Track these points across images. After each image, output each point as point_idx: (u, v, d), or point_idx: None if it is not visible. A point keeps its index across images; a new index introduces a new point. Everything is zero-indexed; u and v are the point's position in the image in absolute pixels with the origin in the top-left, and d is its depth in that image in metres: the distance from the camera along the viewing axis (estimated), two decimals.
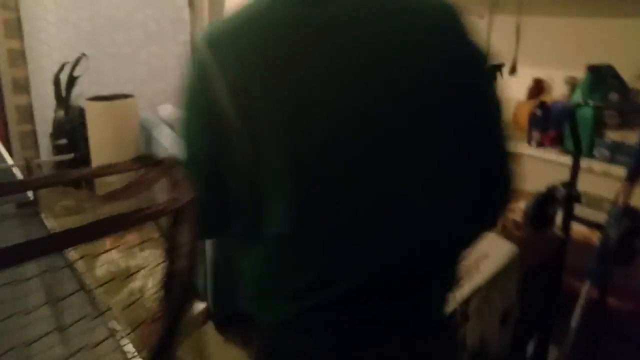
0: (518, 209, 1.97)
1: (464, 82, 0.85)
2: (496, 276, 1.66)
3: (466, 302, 1.52)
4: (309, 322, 0.91)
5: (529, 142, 1.91)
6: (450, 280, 0.97)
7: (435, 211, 0.87)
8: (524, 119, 1.98)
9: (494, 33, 2.23)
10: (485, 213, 0.98)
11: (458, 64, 0.84)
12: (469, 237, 0.96)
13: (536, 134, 1.88)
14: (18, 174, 1.78)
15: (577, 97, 1.80)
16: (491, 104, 0.91)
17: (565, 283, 1.70)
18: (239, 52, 0.81)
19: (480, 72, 0.90)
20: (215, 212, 0.92)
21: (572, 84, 1.87)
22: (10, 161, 1.90)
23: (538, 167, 2.04)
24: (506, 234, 1.83)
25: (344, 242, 0.87)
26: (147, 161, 0.73)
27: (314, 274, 0.89)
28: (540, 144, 1.88)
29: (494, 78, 1.09)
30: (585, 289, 1.50)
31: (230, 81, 0.80)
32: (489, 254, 1.71)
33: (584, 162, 1.66)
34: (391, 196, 0.85)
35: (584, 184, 1.62)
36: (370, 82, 0.80)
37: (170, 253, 0.62)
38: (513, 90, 2.16)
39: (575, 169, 1.56)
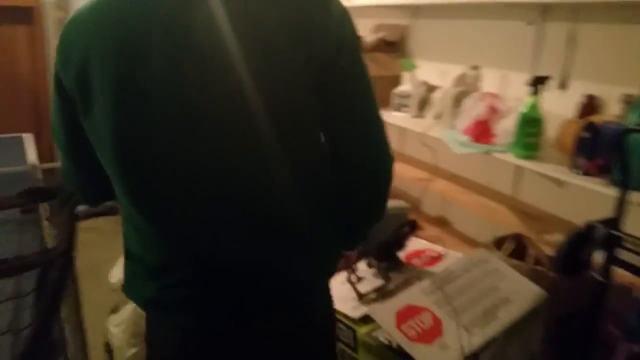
0: (554, 241, 1.70)
1: (312, 54, 0.84)
2: (517, 324, 1.42)
3: (476, 354, 1.29)
4: (164, 302, 0.94)
5: (574, 169, 1.64)
6: (311, 264, 0.96)
7: (278, 189, 0.87)
8: (569, 141, 1.72)
9: (544, 41, 1.97)
10: (347, 196, 0.96)
11: (305, 33, 0.84)
12: (327, 222, 0.96)
13: (582, 160, 1.61)
14: None
15: (633, 118, 1.52)
16: (354, 81, 0.90)
17: (602, 330, 1.44)
18: (84, 29, 0.85)
19: (334, 44, 0.87)
20: (77, 179, 0.99)
21: (628, 102, 1.59)
22: None
23: (583, 197, 1.76)
24: (536, 274, 1.58)
25: (184, 222, 0.88)
26: (36, 196, 0.65)
27: (165, 255, 0.91)
28: (586, 172, 1.62)
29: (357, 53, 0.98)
30: (624, 346, 1.24)
31: (75, 55, 0.85)
32: (511, 298, 1.46)
33: (635, 197, 1.39)
34: (225, 174, 0.85)
35: (634, 223, 1.35)
36: (196, 50, 0.81)
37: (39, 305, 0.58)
38: (561, 107, 1.89)
39: (620, 205, 1.30)
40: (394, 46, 2.69)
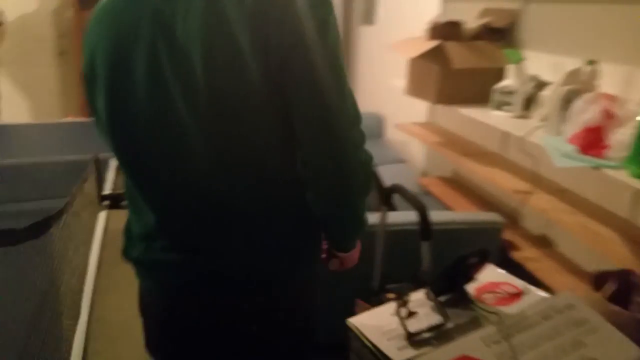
0: None
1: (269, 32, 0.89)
2: None
3: None
4: (148, 262, 1.10)
5: None
6: (257, 247, 1.04)
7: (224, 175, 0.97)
8: None
9: None
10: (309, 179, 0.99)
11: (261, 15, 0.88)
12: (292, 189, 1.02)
13: None
14: None
15: None
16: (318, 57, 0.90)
17: None
18: (98, 19, 0.98)
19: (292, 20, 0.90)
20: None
21: None
22: None
23: None
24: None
25: (162, 192, 1.02)
26: None
27: (149, 219, 1.05)
28: None
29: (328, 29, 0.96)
30: None
31: (87, 50, 1.00)
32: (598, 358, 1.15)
33: None
34: (185, 156, 0.97)
35: None
36: (175, 43, 0.91)
37: None
38: None
39: None
40: (499, 34, 2.34)
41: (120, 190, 2.08)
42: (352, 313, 1.88)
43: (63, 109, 4.76)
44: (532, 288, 1.52)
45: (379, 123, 3.87)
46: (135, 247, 1.10)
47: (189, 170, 0.98)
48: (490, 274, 1.62)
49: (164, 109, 0.95)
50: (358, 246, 1.25)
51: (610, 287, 1.41)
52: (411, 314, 1.40)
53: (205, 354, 1.17)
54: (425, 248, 1.64)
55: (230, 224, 1.03)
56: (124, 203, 1.68)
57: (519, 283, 1.56)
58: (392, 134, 3.72)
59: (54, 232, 1.30)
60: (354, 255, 1.25)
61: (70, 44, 4.60)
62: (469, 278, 1.47)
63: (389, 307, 1.42)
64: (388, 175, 3.51)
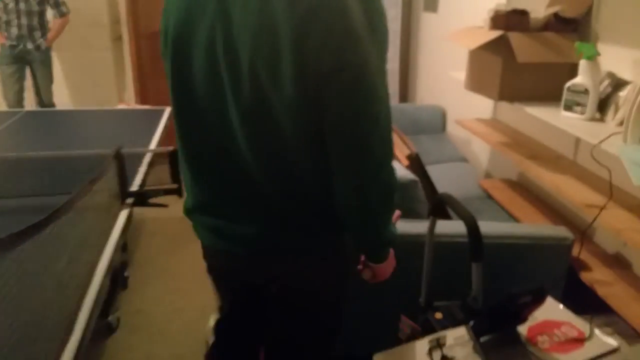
0: None
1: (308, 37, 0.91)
2: None
3: None
4: (196, 223, 1.23)
5: None
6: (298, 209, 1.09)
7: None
8: None
9: None
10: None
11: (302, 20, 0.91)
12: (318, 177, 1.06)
13: None
14: None
15: None
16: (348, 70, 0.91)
17: None
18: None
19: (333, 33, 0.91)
20: None
21: None
22: None
23: None
24: None
25: (207, 167, 1.12)
26: None
27: (198, 190, 1.17)
28: None
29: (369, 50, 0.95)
30: None
31: (163, 18, 1.09)
32: None
33: None
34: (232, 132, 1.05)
35: None
36: (229, 30, 0.97)
37: None
38: None
39: None
40: (571, 24, 2.06)
41: (151, 186, 2.00)
42: (396, 329, 1.72)
43: (118, 95, 4.82)
44: (598, 333, 1.30)
45: (439, 117, 3.61)
46: (188, 200, 1.23)
47: (231, 152, 1.07)
48: (549, 310, 1.42)
49: (214, 91, 1.03)
50: (391, 260, 1.22)
51: None
52: (445, 358, 1.23)
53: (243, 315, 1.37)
54: (476, 270, 1.45)
55: (259, 204, 1.10)
56: (152, 200, 1.75)
57: (582, 325, 1.34)
58: (455, 129, 3.47)
59: (50, 233, 1.23)
60: (386, 268, 1.21)
61: (125, 30, 4.64)
62: (521, 319, 1.28)
63: (423, 345, 1.26)
64: (447, 174, 3.29)
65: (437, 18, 3.79)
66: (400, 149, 2.35)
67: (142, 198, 1.89)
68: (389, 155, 1.03)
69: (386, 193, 1.06)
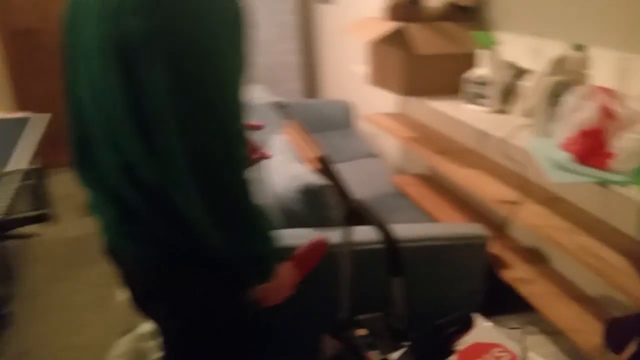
0: None
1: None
2: None
3: None
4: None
5: None
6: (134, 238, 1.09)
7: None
8: None
9: None
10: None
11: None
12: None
13: None
14: None
15: None
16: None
17: None
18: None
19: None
20: None
21: None
22: None
23: None
24: None
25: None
26: None
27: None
28: None
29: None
30: None
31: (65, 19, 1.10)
32: None
33: None
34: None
35: None
36: (90, 35, 0.98)
37: None
38: None
39: None
40: (468, 13, 1.98)
41: (13, 215, 1.69)
42: (318, 350, 1.55)
43: None
44: (531, 355, 1.20)
45: (346, 112, 3.50)
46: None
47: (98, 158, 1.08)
48: (478, 330, 1.30)
49: (74, 84, 1.09)
50: (282, 279, 1.13)
51: (632, 349, 1.09)
52: None
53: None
54: (397, 286, 1.32)
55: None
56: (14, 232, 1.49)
57: (513, 346, 1.24)
58: (363, 124, 3.37)
59: None
60: (276, 288, 1.12)
61: None
62: (448, 352, 1.15)
63: None
64: (357, 172, 3.17)
65: (335, 9, 3.65)
66: (306, 152, 2.19)
67: (3, 230, 1.58)
68: (232, 155, 0.95)
69: (232, 199, 0.97)
